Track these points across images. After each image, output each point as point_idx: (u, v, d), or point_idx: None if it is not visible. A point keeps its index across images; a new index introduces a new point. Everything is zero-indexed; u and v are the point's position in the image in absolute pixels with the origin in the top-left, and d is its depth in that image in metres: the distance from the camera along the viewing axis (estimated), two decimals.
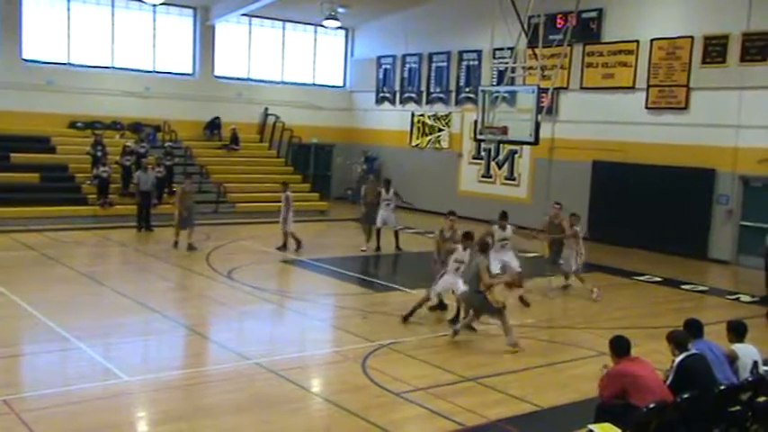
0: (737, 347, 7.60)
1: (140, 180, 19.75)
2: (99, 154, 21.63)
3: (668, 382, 6.92)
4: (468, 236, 11.50)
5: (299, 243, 17.56)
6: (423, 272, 16.72)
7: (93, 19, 24.59)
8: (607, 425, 6.47)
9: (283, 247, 17.49)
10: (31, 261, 15.65)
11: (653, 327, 11.83)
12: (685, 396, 6.56)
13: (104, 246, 18.25)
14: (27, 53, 23.53)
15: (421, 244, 20.29)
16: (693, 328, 7.56)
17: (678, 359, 7.02)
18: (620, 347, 6.92)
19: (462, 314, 11.40)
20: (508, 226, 13.57)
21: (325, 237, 21.07)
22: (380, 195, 18.05)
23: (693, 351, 7.08)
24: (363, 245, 17.99)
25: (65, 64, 24.20)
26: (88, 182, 21.59)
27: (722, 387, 6.92)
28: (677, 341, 7.16)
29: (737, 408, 6.89)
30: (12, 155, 21.70)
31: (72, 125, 24.02)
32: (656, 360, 8.31)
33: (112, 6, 24.87)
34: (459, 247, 11.41)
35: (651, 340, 10.73)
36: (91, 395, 8.19)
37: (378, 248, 18.00)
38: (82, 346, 9.79)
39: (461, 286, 11.11)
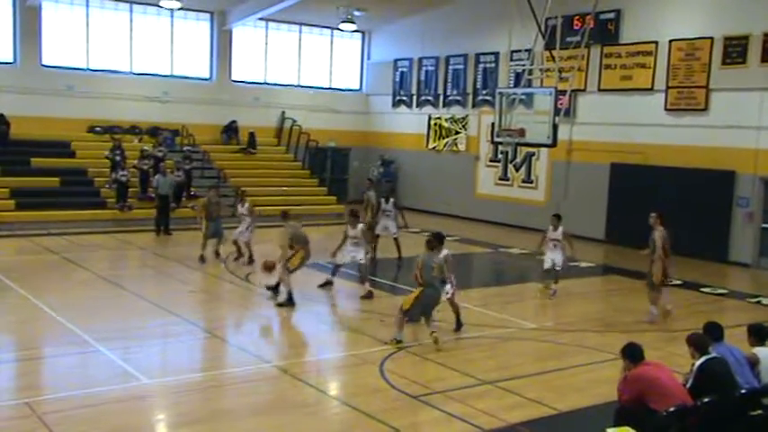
0: (759, 351, 7.52)
1: (159, 184, 19.89)
2: (117, 158, 21.82)
3: (688, 385, 6.87)
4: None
5: (241, 254, 16.43)
6: None
7: (112, 24, 24.80)
8: (626, 429, 6.42)
9: (250, 260, 16.30)
10: (51, 264, 15.80)
11: (672, 330, 11.75)
12: (705, 400, 6.50)
13: (124, 249, 18.38)
14: (46, 59, 23.76)
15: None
16: (714, 332, 7.50)
17: (698, 362, 6.96)
18: (634, 354, 6.87)
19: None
20: (359, 225, 13.97)
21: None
22: (380, 206, 17.56)
23: (714, 354, 7.03)
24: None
25: (84, 69, 24.41)
26: (107, 186, 21.79)
27: (743, 391, 6.85)
28: (697, 344, 7.10)
29: (759, 412, 6.82)
30: (32, 159, 21.95)
31: (91, 130, 24.23)
32: (675, 363, 8.27)
33: (131, 12, 25.08)
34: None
35: (671, 343, 10.67)
36: (110, 397, 8.25)
37: (373, 258, 16.98)
38: (102, 349, 9.86)
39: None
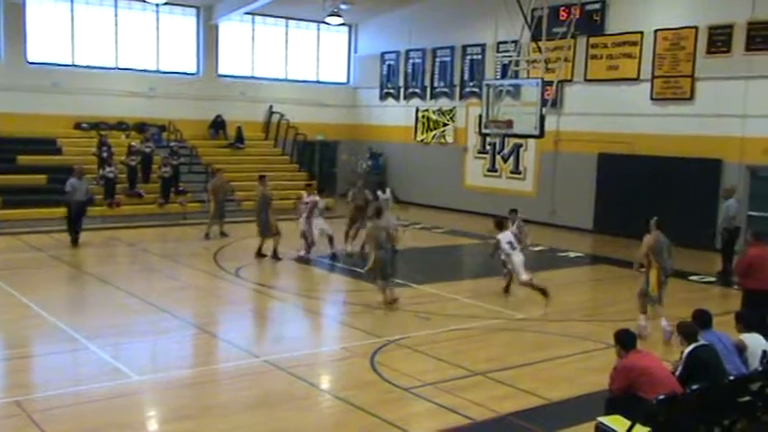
0: (746, 337, 7.58)
1: (73, 188, 17.35)
2: (104, 155, 21.68)
3: (677, 373, 6.92)
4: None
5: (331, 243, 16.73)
6: (429, 267, 16.81)
7: (97, 20, 24.64)
8: (617, 417, 6.47)
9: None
10: (39, 262, 15.70)
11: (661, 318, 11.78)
12: (695, 387, 6.54)
13: (112, 246, 18.30)
14: (32, 55, 23.60)
15: (427, 240, 20.33)
16: (702, 319, 7.55)
17: (687, 350, 7.02)
18: (626, 340, 6.91)
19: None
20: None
21: None
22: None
23: (702, 342, 7.08)
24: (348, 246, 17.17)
25: (69, 65, 24.26)
26: (94, 183, 21.64)
27: (732, 377, 6.90)
28: (686, 332, 7.15)
29: (748, 398, 6.87)
30: (18, 157, 21.81)
31: (77, 126, 24.10)
32: (664, 351, 8.30)
33: (116, 7, 24.91)
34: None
35: (659, 332, 10.73)
36: (101, 395, 8.22)
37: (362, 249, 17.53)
38: (91, 347, 9.82)
39: None
